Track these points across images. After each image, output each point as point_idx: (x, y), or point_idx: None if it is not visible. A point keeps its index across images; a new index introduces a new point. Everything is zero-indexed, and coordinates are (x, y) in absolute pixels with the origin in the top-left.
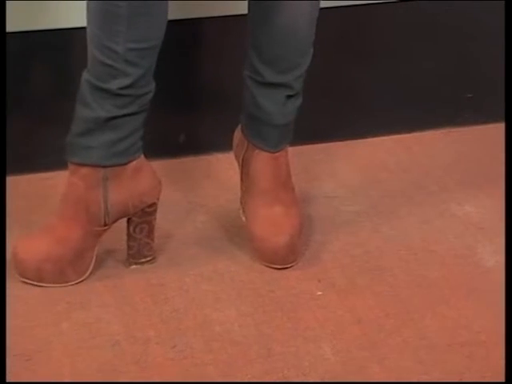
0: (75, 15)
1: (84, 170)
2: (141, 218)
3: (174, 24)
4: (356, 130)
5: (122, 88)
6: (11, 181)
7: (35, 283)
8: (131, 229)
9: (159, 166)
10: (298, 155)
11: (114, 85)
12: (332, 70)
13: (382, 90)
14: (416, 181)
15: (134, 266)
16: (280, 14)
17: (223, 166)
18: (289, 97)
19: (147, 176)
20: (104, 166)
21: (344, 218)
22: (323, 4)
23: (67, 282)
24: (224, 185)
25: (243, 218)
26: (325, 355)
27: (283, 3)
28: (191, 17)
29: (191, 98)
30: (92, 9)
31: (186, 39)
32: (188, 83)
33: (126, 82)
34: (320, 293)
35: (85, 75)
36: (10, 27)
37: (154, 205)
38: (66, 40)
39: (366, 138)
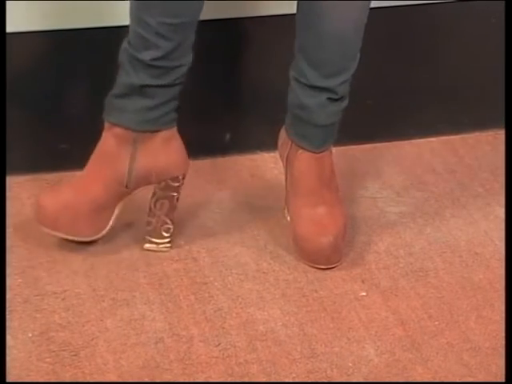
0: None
1: (117, 130)
2: (163, 192)
3: (220, 23)
4: (402, 130)
5: (153, 59)
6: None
7: (52, 232)
8: (152, 202)
9: (205, 164)
10: (343, 155)
11: (146, 55)
12: (379, 70)
13: (430, 91)
14: (462, 183)
15: (147, 245)
16: (327, 20)
17: (268, 165)
18: (333, 100)
19: (175, 149)
20: (135, 130)
21: (388, 218)
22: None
23: (81, 236)
24: (269, 184)
25: (288, 218)
26: (368, 356)
27: (331, 9)
28: (238, 16)
29: (237, 96)
30: None
31: (234, 38)
32: (234, 82)
33: (158, 53)
34: (364, 293)
35: (124, 43)
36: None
37: (177, 179)
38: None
39: (412, 139)
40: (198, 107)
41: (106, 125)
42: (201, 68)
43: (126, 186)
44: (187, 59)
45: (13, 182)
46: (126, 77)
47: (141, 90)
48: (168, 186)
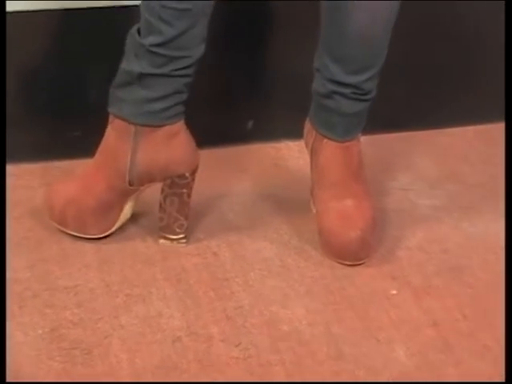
0: None
1: (117, 122)
2: (170, 189)
3: (243, 3)
4: (436, 119)
5: (153, 45)
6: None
7: (60, 227)
8: (162, 198)
9: (225, 153)
10: (373, 144)
11: (147, 41)
12: (411, 56)
13: (465, 78)
14: (498, 174)
15: (162, 241)
16: (354, 18)
17: (293, 154)
18: (359, 94)
19: (181, 145)
20: (134, 123)
21: (421, 212)
22: None
23: (88, 234)
24: (293, 174)
25: (313, 211)
26: (398, 358)
27: (358, 6)
28: None
29: (261, 80)
30: None
31: (257, 19)
32: (258, 65)
33: (158, 39)
34: (394, 292)
35: (131, 29)
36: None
37: (183, 177)
38: None
39: (447, 127)
40: (218, 91)
41: (110, 117)
42: (222, 50)
43: (130, 184)
44: (194, 52)
45: (24, 169)
46: (127, 64)
47: (141, 80)
48: (174, 184)
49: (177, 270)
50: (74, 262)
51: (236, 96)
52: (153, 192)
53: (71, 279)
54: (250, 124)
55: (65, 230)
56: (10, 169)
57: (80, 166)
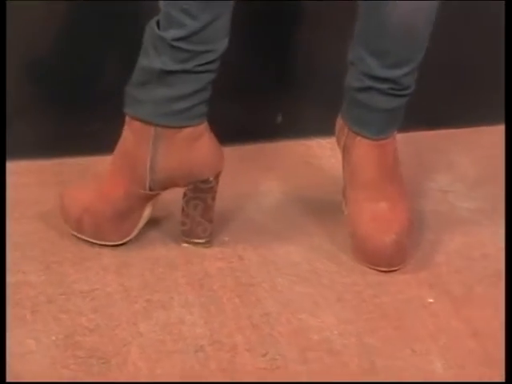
0: None
1: (136, 124)
2: (194, 194)
3: (273, 2)
4: (477, 116)
5: (176, 39)
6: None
7: (76, 234)
8: (184, 202)
9: (252, 150)
10: (410, 143)
11: (169, 34)
12: (452, 49)
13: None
14: None
15: (185, 245)
16: (395, 8)
17: (325, 152)
18: (396, 90)
19: (204, 148)
20: (154, 125)
21: (461, 215)
22: None
23: (105, 241)
24: (325, 174)
25: (345, 213)
26: (435, 371)
27: None
28: None
29: (291, 73)
30: None
31: (289, 14)
32: (288, 56)
33: (181, 33)
34: (431, 300)
35: (150, 22)
36: None
37: (207, 181)
38: None
39: (489, 125)
40: (244, 84)
41: (126, 119)
42: (249, 40)
43: (150, 189)
44: (218, 45)
45: (38, 166)
46: (147, 60)
47: (162, 77)
48: (198, 189)
49: (200, 275)
50: (90, 264)
51: (264, 89)
52: (173, 192)
53: (88, 283)
54: (279, 119)
55: (81, 236)
56: (21, 166)
57: (95, 164)
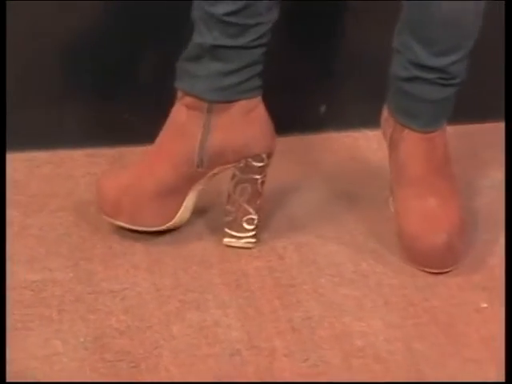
0: None
1: (188, 99)
2: (244, 174)
3: None
4: None
5: (227, 14)
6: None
7: (111, 219)
8: (232, 186)
9: (294, 142)
10: (464, 136)
11: (219, 9)
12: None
13: None
14: None
15: (227, 240)
16: None
17: (372, 145)
18: (445, 79)
19: (258, 121)
20: (208, 100)
21: None
22: None
23: (144, 226)
24: (372, 168)
25: (392, 210)
26: (488, 379)
27: None
28: None
29: (335, 61)
30: None
31: (332, 4)
32: (332, 44)
33: (231, 7)
34: (485, 305)
35: None
36: None
37: (260, 158)
38: None
39: None
40: (286, 73)
41: (179, 93)
42: (292, 27)
43: (198, 166)
44: (269, 17)
45: (66, 157)
46: (198, 36)
47: (213, 52)
48: (249, 167)
49: (237, 275)
50: (121, 262)
51: (307, 78)
52: (210, 189)
53: (118, 282)
54: (323, 109)
55: (116, 221)
56: (48, 156)
57: (129, 155)
